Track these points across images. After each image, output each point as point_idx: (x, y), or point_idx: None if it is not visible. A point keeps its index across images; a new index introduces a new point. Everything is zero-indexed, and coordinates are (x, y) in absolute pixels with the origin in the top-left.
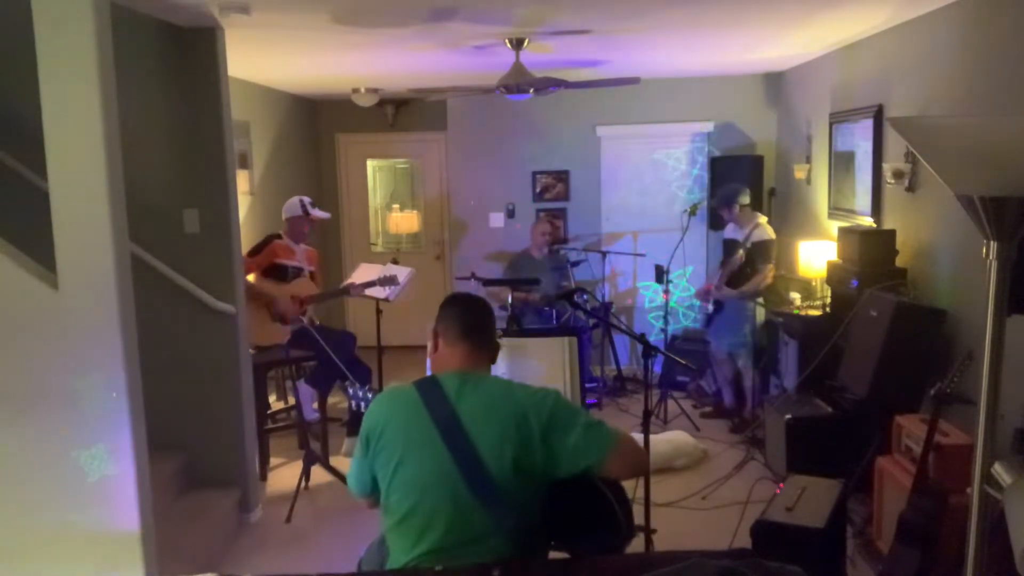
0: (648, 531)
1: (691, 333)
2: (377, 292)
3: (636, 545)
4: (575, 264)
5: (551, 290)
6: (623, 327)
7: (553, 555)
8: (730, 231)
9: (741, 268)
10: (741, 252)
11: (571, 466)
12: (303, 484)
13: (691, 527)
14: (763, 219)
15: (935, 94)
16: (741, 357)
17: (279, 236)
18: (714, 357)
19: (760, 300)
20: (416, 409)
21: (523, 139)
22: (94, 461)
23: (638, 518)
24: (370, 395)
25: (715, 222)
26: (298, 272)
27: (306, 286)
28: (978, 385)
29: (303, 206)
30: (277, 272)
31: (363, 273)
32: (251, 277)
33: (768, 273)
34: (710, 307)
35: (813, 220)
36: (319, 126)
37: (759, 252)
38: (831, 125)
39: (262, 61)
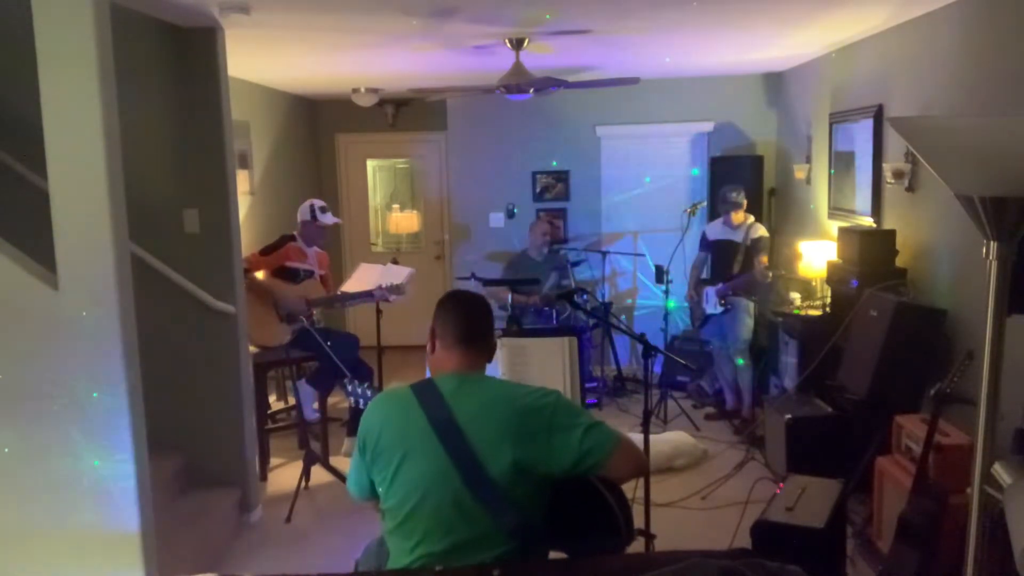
0: (648, 535)
1: (691, 333)
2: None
3: (636, 546)
4: (575, 264)
5: (551, 290)
6: (623, 327)
7: (553, 555)
8: (719, 232)
9: (742, 266)
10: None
11: (573, 467)
12: (303, 484)
13: (691, 527)
14: (752, 218)
15: (935, 94)
16: (743, 355)
17: (293, 238)
18: (717, 358)
19: (753, 297)
20: (413, 412)
21: (523, 139)
22: None
23: (638, 519)
24: (369, 392)
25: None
26: (308, 275)
27: (314, 288)
28: (978, 385)
29: (312, 211)
30: (287, 275)
31: (363, 273)
32: (260, 275)
33: (763, 260)
34: (719, 309)
35: (813, 220)
36: (319, 126)
37: (761, 246)
38: (831, 125)
39: (262, 61)
